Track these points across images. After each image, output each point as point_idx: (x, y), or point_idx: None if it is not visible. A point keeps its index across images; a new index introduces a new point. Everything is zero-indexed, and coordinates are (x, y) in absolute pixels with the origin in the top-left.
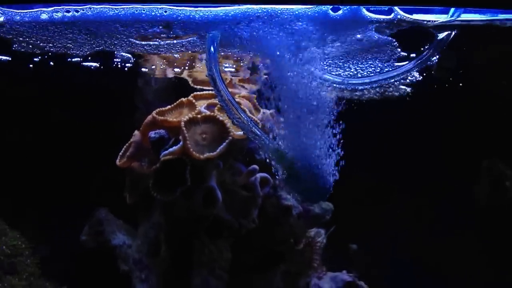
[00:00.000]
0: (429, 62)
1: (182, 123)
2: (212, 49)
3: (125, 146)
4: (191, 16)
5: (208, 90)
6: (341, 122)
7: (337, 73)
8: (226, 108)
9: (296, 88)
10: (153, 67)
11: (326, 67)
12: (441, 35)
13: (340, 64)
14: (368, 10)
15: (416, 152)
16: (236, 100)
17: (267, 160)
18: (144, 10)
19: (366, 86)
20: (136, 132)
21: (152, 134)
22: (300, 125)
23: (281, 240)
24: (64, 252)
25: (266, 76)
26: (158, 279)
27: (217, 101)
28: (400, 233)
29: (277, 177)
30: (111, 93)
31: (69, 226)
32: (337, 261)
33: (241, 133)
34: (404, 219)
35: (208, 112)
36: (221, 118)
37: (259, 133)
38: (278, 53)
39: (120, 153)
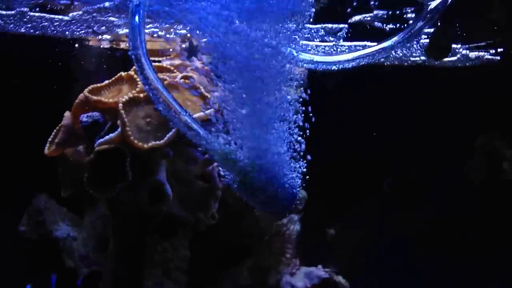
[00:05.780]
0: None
1: (120, 104)
2: (136, 19)
3: (54, 131)
4: None
5: (157, 62)
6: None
7: None
8: (154, 99)
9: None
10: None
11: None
12: (433, 3)
13: None
14: None
15: (403, 127)
16: (189, 74)
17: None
18: None
19: (342, 65)
20: (67, 114)
21: (83, 118)
22: (255, 115)
23: (246, 234)
24: (2, 243)
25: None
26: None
27: (166, 77)
28: (384, 216)
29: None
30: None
31: (6, 214)
32: (314, 251)
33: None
34: (389, 200)
35: None
36: None
37: (201, 132)
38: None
39: (49, 139)
